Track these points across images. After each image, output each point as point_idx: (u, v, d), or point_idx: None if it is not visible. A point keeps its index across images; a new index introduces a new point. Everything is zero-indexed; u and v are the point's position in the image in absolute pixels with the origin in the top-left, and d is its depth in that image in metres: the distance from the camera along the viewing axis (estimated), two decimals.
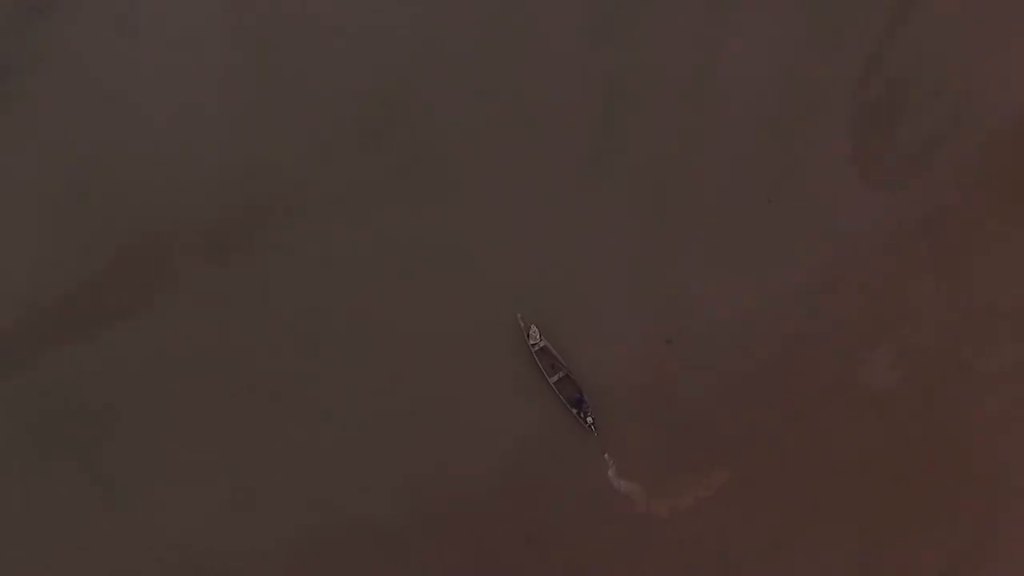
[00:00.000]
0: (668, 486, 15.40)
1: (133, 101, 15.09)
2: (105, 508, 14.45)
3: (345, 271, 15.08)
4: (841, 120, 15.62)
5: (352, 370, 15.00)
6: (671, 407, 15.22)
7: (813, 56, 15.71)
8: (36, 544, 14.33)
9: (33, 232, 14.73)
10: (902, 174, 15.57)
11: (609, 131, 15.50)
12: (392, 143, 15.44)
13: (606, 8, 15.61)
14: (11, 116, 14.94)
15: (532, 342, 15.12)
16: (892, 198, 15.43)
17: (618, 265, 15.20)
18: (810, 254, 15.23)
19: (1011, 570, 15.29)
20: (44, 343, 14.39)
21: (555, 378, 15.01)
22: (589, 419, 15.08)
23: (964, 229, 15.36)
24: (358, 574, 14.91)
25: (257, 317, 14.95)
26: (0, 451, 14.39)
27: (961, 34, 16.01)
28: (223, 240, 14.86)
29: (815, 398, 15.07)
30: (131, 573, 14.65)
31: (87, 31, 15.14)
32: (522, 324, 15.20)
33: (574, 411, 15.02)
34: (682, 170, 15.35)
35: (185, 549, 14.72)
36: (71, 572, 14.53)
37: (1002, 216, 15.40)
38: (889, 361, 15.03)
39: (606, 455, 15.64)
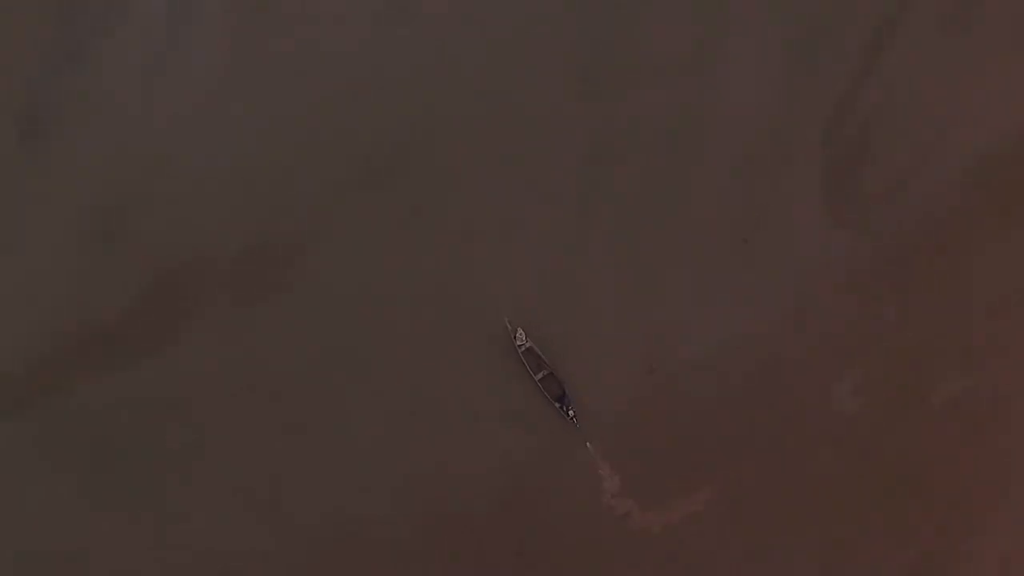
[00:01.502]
0: (657, 502, 16.32)
1: (159, 145, 16.03)
2: (113, 512, 15.38)
3: (355, 299, 16.00)
4: (812, 162, 16.60)
5: (360, 381, 15.88)
6: (656, 429, 16.21)
7: (787, 101, 16.66)
8: (45, 544, 15.27)
9: (64, 270, 15.65)
10: (869, 214, 16.62)
11: (596, 175, 16.37)
12: (398, 183, 16.38)
13: (595, 65, 16.49)
14: (46, 159, 15.86)
15: (519, 343, 16.32)
16: (858, 236, 16.46)
17: (602, 300, 16.21)
18: (781, 289, 16.26)
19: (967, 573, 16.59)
20: (73, 373, 15.34)
21: (539, 376, 16.23)
22: (571, 412, 16.31)
23: (924, 267, 16.41)
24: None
25: (270, 341, 15.86)
26: (25, 469, 15.30)
27: (929, 78, 16.95)
28: (243, 274, 15.82)
29: (786, 422, 16.14)
30: (131, 573, 15.58)
31: (117, 79, 16.03)
32: (509, 327, 16.37)
33: (557, 405, 16.25)
34: (664, 211, 16.38)
35: (185, 549, 15.64)
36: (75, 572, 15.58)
37: (959, 256, 16.45)
38: (852, 388, 16.13)
39: (588, 444, 16.67)
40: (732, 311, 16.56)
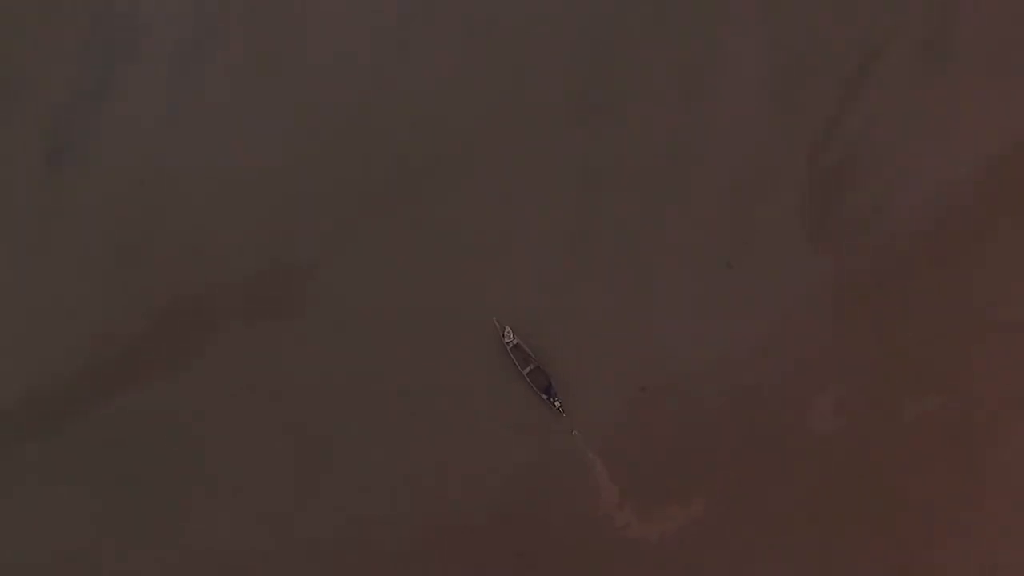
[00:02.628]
0: (653, 510, 17.11)
1: (176, 172, 16.97)
2: (131, 516, 16.26)
3: (361, 315, 16.84)
4: (795, 189, 17.54)
5: (365, 387, 16.69)
6: (650, 443, 17.12)
7: (772, 130, 17.49)
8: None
9: (88, 291, 16.59)
10: (847, 239, 17.47)
11: (591, 200, 17.28)
12: (403, 207, 17.22)
13: (592, 93, 17.36)
14: (71, 185, 16.80)
15: (507, 340, 17.24)
16: (837, 261, 17.31)
17: (595, 320, 17.08)
18: (764, 311, 17.13)
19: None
20: (98, 389, 16.26)
21: (527, 370, 17.13)
22: (557, 403, 17.16)
23: (898, 291, 17.23)
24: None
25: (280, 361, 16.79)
26: (51, 481, 16.26)
27: (906, 110, 17.69)
28: (255, 293, 16.75)
29: (768, 438, 17.01)
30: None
31: (137, 109, 16.96)
32: (498, 326, 17.32)
33: (544, 396, 17.11)
34: (654, 236, 17.23)
35: (185, 549, 16.44)
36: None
37: (931, 280, 17.25)
38: (832, 405, 17.01)
39: (575, 432, 17.42)
40: (718, 332, 17.35)
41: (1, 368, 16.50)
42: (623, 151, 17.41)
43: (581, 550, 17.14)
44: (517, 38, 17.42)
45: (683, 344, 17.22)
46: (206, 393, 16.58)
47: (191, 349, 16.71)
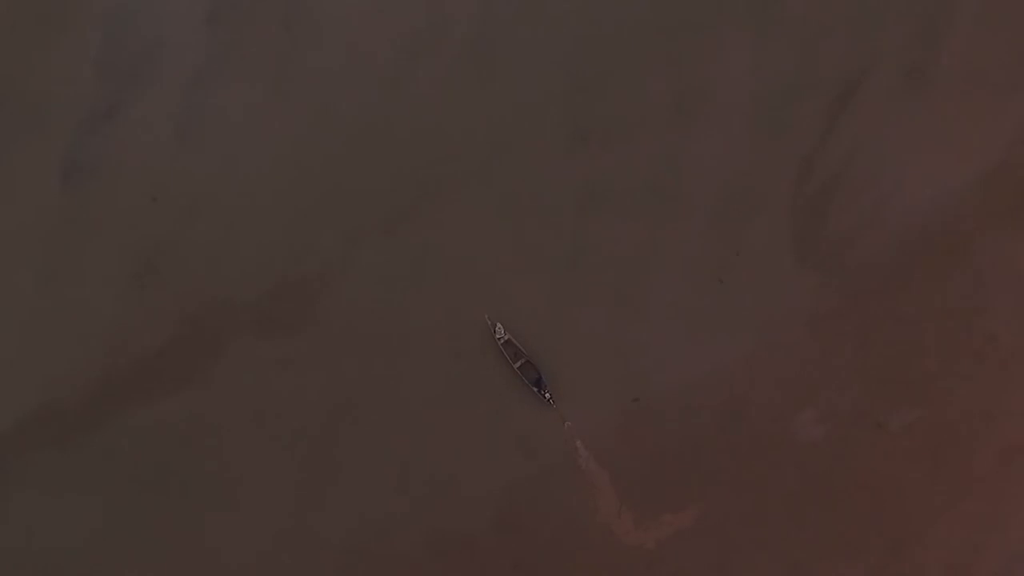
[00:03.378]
0: (649, 518, 17.58)
1: (189, 193, 17.46)
2: (147, 527, 16.78)
3: (368, 332, 17.38)
4: (782, 212, 17.99)
5: (372, 398, 17.25)
6: (644, 452, 17.58)
7: (760, 153, 17.99)
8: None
9: (103, 309, 17.05)
10: (833, 257, 17.99)
11: (586, 221, 17.82)
12: (406, 228, 17.70)
13: (585, 122, 17.91)
14: (82, 208, 17.26)
15: (498, 336, 17.57)
16: (823, 278, 17.81)
17: (590, 334, 17.63)
18: (753, 326, 17.67)
19: None
20: (114, 404, 16.82)
21: (518, 364, 17.45)
22: (547, 395, 17.57)
23: (881, 308, 17.82)
24: None
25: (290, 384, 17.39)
26: (74, 491, 16.82)
27: (889, 134, 18.23)
28: (267, 310, 17.30)
29: (758, 447, 17.52)
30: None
31: (151, 132, 17.40)
32: (489, 322, 17.65)
33: (535, 389, 17.50)
34: (650, 258, 17.79)
35: (194, 555, 16.90)
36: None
37: (914, 297, 17.84)
38: (815, 418, 17.60)
39: (566, 423, 17.85)
40: (709, 345, 17.92)
41: (19, 380, 16.92)
42: (619, 172, 17.89)
43: (579, 560, 17.51)
44: (519, 69, 17.86)
45: (675, 357, 17.74)
46: (218, 404, 17.02)
47: (203, 362, 17.14)
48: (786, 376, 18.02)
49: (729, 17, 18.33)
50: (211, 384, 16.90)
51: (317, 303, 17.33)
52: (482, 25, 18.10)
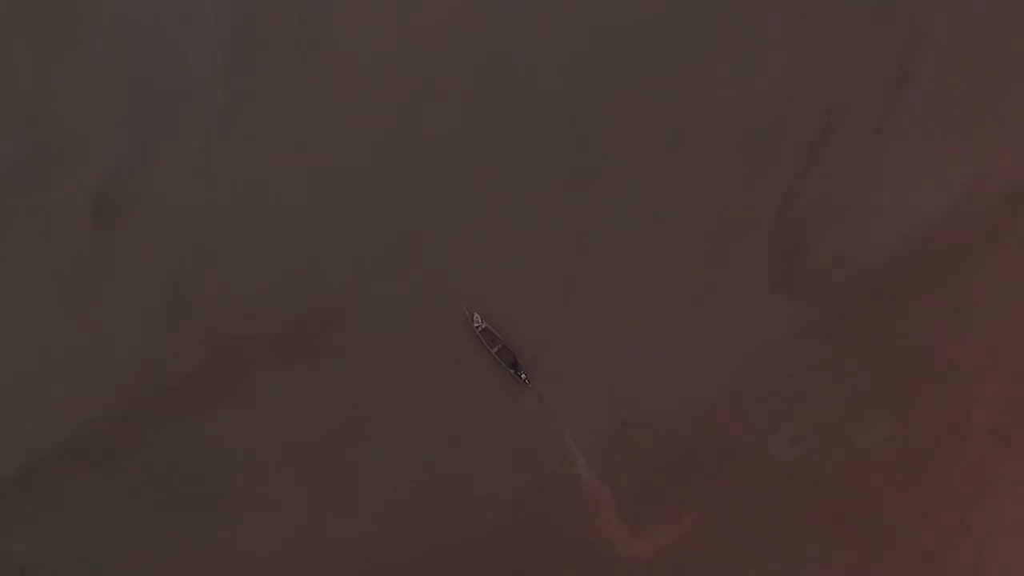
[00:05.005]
0: (646, 528, 18.99)
1: (215, 228, 18.81)
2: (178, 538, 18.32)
3: (382, 356, 18.76)
4: (762, 245, 19.32)
5: (385, 415, 18.71)
6: (633, 470, 18.91)
7: (742, 188, 19.33)
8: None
9: (136, 337, 18.47)
10: (809, 286, 19.30)
11: (580, 257, 19.14)
12: (415, 260, 19.12)
13: (577, 160, 19.23)
14: (113, 246, 18.61)
15: (475, 325, 19.10)
16: (798, 307, 19.14)
17: (583, 363, 18.98)
18: (733, 352, 19.03)
19: None
20: (148, 426, 18.25)
21: (495, 349, 19.00)
22: (523, 375, 19.04)
23: (853, 334, 19.17)
24: None
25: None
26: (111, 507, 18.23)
27: (862, 170, 19.52)
28: (288, 338, 18.69)
29: (740, 464, 18.93)
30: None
31: (178, 173, 18.75)
32: (467, 313, 19.17)
33: (511, 371, 18.97)
34: (638, 289, 19.14)
35: (218, 560, 18.44)
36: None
37: (884, 323, 19.20)
38: (791, 438, 18.93)
39: (540, 398, 19.15)
40: (693, 370, 19.24)
41: (58, 405, 18.32)
42: (609, 208, 19.20)
43: (578, 568, 18.95)
44: (519, 115, 19.24)
45: (661, 381, 19.10)
46: (243, 424, 18.43)
47: (228, 385, 18.53)
48: (764, 399, 19.32)
49: (714, 64, 19.56)
50: (237, 404, 18.30)
51: (330, 331, 18.75)
52: (486, 76, 19.45)
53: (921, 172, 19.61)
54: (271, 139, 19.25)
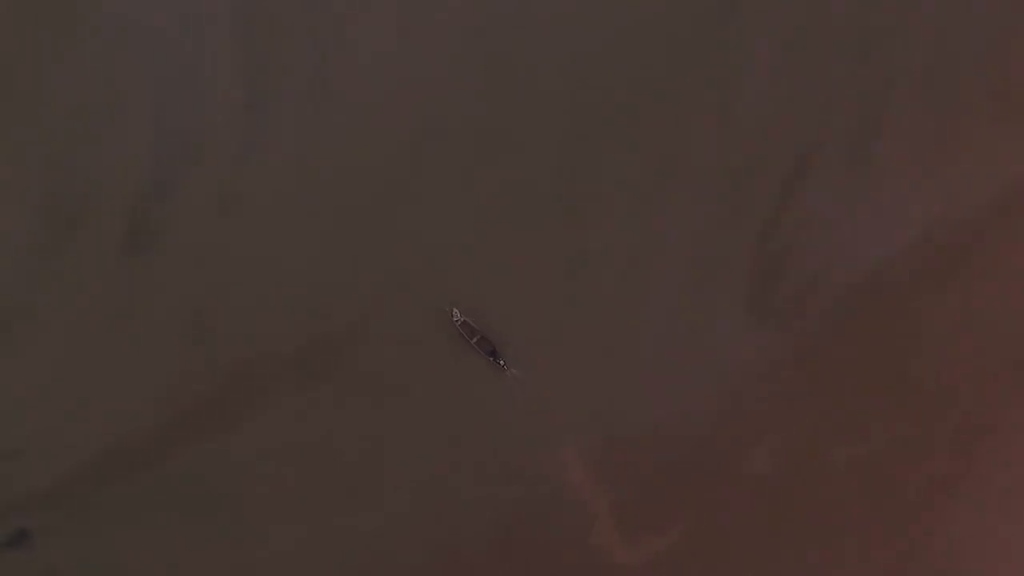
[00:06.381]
0: (638, 538, 19.66)
1: (236, 256, 19.05)
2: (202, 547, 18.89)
3: (392, 377, 19.07)
4: (742, 273, 19.97)
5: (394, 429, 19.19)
6: (619, 484, 19.51)
7: (721, 226, 19.93)
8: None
9: (161, 362, 18.75)
10: (785, 316, 20.08)
11: (572, 284, 19.61)
12: (425, 286, 19.32)
13: (568, 195, 19.57)
14: (143, 273, 18.79)
15: (454, 319, 19.51)
16: (775, 332, 20.00)
17: (574, 383, 19.53)
18: (713, 376, 19.84)
19: None
20: (173, 443, 18.94)
21: (474, 339, 19.30)
22: (501, 362, 19.42)
23: (828, 356, 20.13)
24: None
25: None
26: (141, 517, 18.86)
27: (837, 204, 20.26)
28: (305, 360, 19.13)
29: (721, 479, 19.72)
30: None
31: (199, 205, 18.75)
32: (447, 309, 19.50)
33: (491, 359, 19.37)
34: (626, 315, 19.71)
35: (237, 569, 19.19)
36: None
37: (856, 348, 20.20)
38: (768, 453, 20.00)
39: (515, 374, 19.59)
40: (677, 390, 19.93)
41: (89, 425, 18.73)
42: (600, 239, 19.75)
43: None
44: (514, 156, 19.46)
45: (646, 401, 19.78)
46: (263, 442, 18.90)
47: (250, 405, 19.21)
48: (743, 417, 20.25)
49: (693, 105, 19.93)
50: (258, 423, 18.91)
51: (344, 355, 19.24)
52: (486, 119, 19.52)
53: (889, 206, 20.61)
54: (288, 173, 19.14)
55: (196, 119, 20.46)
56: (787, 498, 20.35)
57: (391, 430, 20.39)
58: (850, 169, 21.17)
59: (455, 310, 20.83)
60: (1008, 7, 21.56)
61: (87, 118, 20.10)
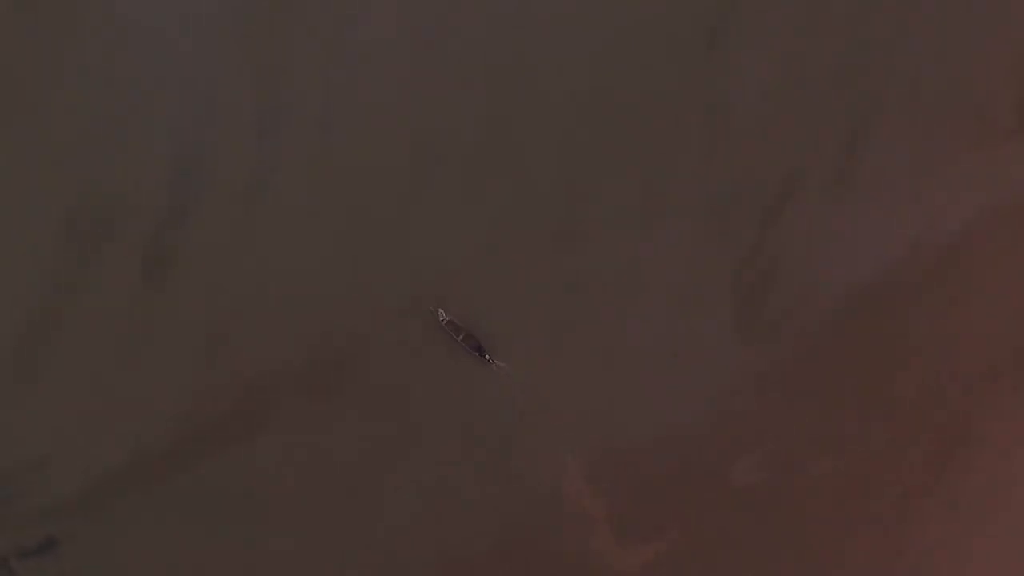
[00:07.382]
0: (635, 544, 21.60)
1: (252, 278, 21.28)
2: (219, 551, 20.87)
3: (394, 399, 21.31)
4: (726, 296, 21.75)
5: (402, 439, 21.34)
6: (615, 495, 21.45)
7: (707, 251, 21.84)
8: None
9: (178, 379, 21.05)
10: (768, 334, 21.82)
11: (565, 310, 21.76)
12: (423, 307, 21.83)
13: (566, 223, 21.81)
14: (163, 296, 20.80)
15: (440, 319, 21.24)
16: (759, 352, 21.59)
17: (567, 400, 21.42)
18: (699, 393, 21.39)
19: None
20: (191, 454, 20.65)
21: (460, 336, 20.99)
22: (487, 356, 21.12)
23: (809, 375, 21.59)
24: None
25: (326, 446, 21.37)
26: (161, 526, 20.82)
27: (821, 226, 22.20)
28: (315, 375, 21.20)
29: (710, 490, 21.17)
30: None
31: (216, 230, 21.27)
32: (432, 310, 21.37)
33: (476, 354, 21.01)
34: (617, 338, 21.62)
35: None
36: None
37: (835, 367, 21.68)
38: (754, 465, 21.24)
39: (500, 364, 21.86)
40: (667, 409, 21.81)
41: (110, 436, 20.82)
42: (593, 269, 21.85)
43: None
44: (512, 185, 21.57)
45: (638, 418, 21.67)
46: (277, 452, 20.88)
47: (265, 418, 21.11)
48: (728, 433, 21.80)
49: (678, 137, 22.10)
50: (273, 434, 20.41)
51: (351, 369, 21.03)
52: (484, 148, 21.48)
53: (869, 230, 22.38)
54: (295, 199, 21.61)
55: (210, 145, 24.02)
56: (767, 507, 21.97)
57: (391, 430, 22.59)
58: (831, 195, 24.18)
59: (440, 310, 23.44)
60: (992, 34, 24.14)
61: (101, 139, 23.48)
